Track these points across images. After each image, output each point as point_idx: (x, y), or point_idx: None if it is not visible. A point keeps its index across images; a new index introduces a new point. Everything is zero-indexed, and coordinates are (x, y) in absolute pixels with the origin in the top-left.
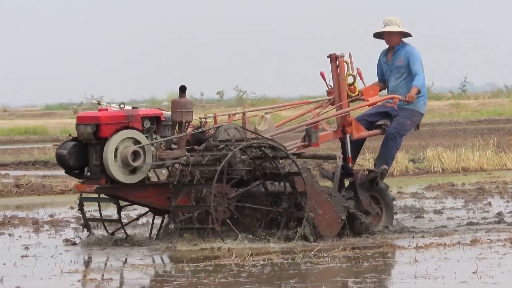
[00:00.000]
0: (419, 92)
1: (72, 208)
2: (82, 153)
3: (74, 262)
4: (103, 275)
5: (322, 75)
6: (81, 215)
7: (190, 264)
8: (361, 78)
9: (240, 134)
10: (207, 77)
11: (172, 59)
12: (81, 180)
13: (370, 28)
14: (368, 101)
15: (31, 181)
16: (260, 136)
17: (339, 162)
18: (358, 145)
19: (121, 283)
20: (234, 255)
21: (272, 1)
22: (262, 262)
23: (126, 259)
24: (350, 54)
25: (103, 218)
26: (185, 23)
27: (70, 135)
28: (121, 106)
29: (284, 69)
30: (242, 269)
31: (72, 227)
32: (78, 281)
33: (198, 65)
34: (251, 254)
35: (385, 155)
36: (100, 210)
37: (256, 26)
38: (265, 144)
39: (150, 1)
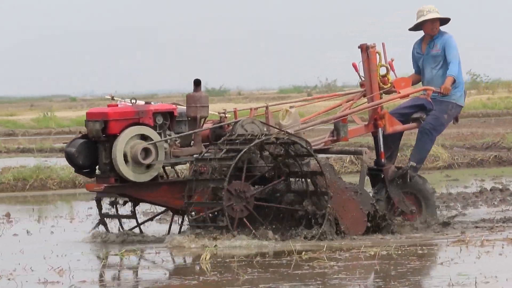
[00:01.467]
0: (454, 82)
1: None
2: (92, 151)
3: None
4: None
5: (354, 66)
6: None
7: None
8: (392, 70)
9: (259, 129)
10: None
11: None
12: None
13: (370, 28)
14: (399, 93)
15: None
16: (280, 131)
17: (365, 157)
18: (395, 140)
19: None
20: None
21: (272, 1)
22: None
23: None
24: (383, 44)
25: (119, 215)
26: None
27: (80, 132)
28: (132, 101)
29: (284, 69)
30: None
31: None
32: None
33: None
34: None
35: (419, 151)
36: (116, 207)
37: (256, 26)
38: (284, 139)
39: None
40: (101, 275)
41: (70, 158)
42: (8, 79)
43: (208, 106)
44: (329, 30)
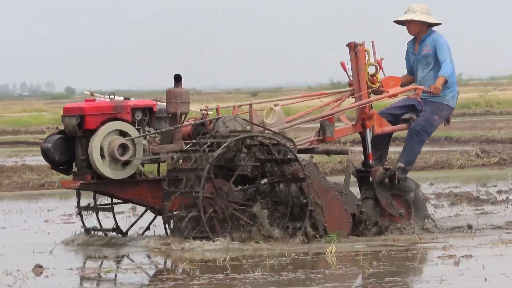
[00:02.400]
0: (446, 82)
1: None
2: (68, 147)
3: None
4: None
5: (342, 65)
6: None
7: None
8: (381, 68)
9: (241, 127)
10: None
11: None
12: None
13: (370, 28)
14: (387, 92)
15: None
16: (265, 130)
17: (350, 157)
18: (384, 141)
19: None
20: None
21: (272, 1)
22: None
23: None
24: (372, 42)
25: (97, 206)
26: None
27: (57, 127)
28: (110, 96)
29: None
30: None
31: None
32: None
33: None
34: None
35: (408, 153)
36: (95, 201)
37: (256, 26)
38: (265, 138)
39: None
40: None
41: (45, 154)
42: None
43: (188, 102)
44: (329, 30)
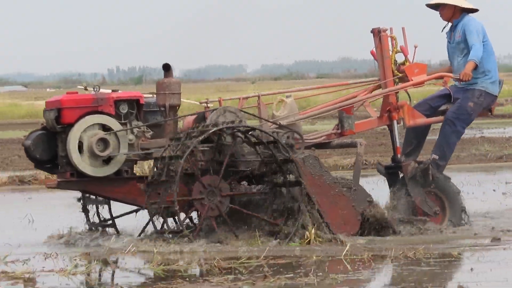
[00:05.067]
0: (476, 67)
1: None
2: (51, 144)
3: None
4: None
5: (372, 53)
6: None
7: None
8: (405, 55)
9: (239, 119)
10: None
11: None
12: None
13: None
14: (411, 80)
15: None
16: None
17: (361, 149)
18: (419, 134)
19: None
20: None
21: None
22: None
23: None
24: (403, 28)
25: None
26: None
27: (42, 123)
28: (95, 89)
29: None
30: None
31: None
32: None
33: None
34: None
35: (441, 145)
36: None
37: None
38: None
39: None
40: None
41: (26, 151)
42: None
43: (179, 94)
44: None
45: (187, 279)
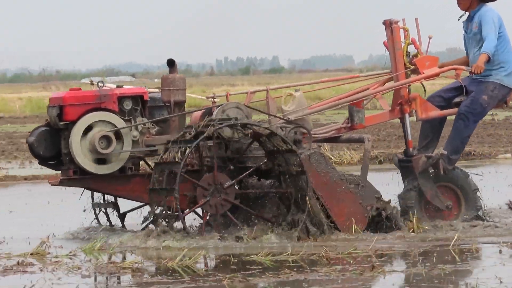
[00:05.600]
0: (489, 60)
1: None
2: (54, 141)
3: None
4: None
5: (385, 45)
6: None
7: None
8: (416, 47)
9: (243, 114)
10: None
11: None
12: None
13: None
14: (423, 73)
15: None
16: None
17: (368, 145)
18: (435, 127)
19: None
20: None
21: None
22: None
23: None
24: (416, 19)
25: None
26: None
27: (46, 120)
28: (99, 84)
29: None
30: None
31: None
32: None
33: None
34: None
35: (454, 139)
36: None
37: None
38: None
39: None
40: None
41: (30, 148)
42: None
43: (184, 89)
44: None
45: (295, 269)
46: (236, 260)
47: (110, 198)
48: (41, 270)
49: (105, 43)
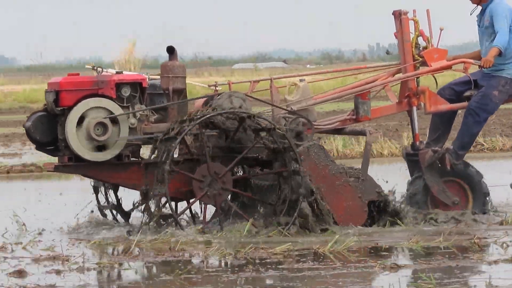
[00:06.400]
0: (500, 54)
1: None
2: (51, 126)
3: None
4: None
5: (396, 36)
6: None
7: None
8: (424, 39)
9: (246, 105)
10: None
11: None
12: None
13: None
14: (430, 66)
15: None
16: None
17: (370, 138)
18: (445, 120)
19: None
20: None
21: None
22: None
23: None
24: (427, 11)
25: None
26: None
27: (44, 104)
28: (98, 70)
29: None
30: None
31: None
32: None
33: None
34: None
35: (463, 135)
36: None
37: None
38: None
39: None
40: None
41: (28, 133)
42: None
43: (184, 77)
44: None
45: (447, 256)
46: (387, 247)
47: (112, 198)
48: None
49: (256, 28)
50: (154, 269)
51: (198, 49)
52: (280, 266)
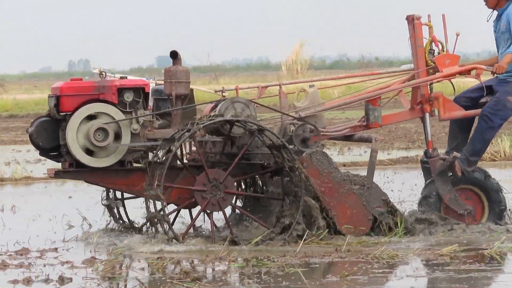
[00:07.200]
0: None
1: None
2: (54, 132)
3: None
4: None
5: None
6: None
7: None
8: (436, 45)
9: (249, 111)
10: None
11: None
12: None
13: None
14: (442, 72)
15: None
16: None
17: (375, 145)
18: (464, 127)
19: None
20: None
21: None
22: None
23: None
24: (443, 15)
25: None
26: None
27: (48, 110)
28: (101, 75)
29: None
30: None
31: None
32: None
33: None
34: None
35: (475, 141)
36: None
37: None
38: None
39: None
40: None
41: (31, 139)
42: None
43: (188, 82)
44: None
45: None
46: None
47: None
48: None
49: None
50: None
51: (364, 50)
52: (447, 268)
